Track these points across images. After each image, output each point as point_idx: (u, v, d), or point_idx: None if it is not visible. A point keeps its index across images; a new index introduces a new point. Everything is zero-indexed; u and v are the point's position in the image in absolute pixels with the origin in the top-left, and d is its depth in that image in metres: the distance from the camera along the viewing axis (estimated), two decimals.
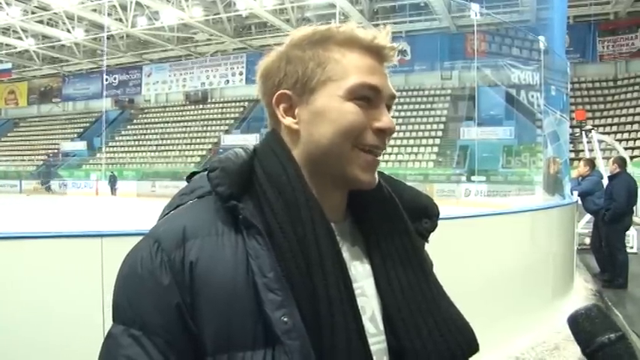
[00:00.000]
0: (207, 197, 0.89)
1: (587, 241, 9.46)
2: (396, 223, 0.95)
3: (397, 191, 0.98)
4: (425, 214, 1.01)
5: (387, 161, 28.87)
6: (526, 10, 24.94)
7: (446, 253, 4.11)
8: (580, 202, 8.70)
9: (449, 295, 0.97)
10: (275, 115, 0.92)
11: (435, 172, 28.02)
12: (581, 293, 7.44)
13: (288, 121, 0.91)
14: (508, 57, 23.72)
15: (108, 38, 33.71)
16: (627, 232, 8.78)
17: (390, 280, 0.91)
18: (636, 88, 29.42)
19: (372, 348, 0.85)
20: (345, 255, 0.88)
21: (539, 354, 4.99)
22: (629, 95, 29.34)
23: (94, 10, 30.65)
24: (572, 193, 8.76)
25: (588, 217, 9.64)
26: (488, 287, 4.72)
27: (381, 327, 0.90)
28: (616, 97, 29.68)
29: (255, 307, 0.79)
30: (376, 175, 0.92)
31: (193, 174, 0.98)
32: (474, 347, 0.94)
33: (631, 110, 28.23)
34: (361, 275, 0.91)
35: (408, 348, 0.88)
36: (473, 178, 24.45)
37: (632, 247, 9.94)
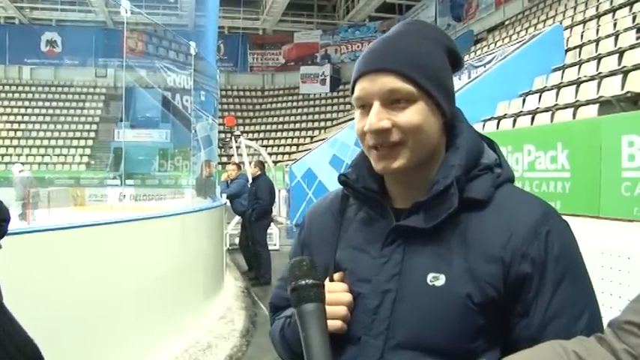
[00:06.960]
0: None
1: (237, 240, 10.03)
2: None
3: None
4: None
5: (31, 163, 26.10)
6: (185, 15, 25.53)
7: (99, 259, 3.83)
8: (229, 204, 9.17)
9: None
10: None
11: (86, 176, 26.34)
12: (231, 291, 7.83)
13: None
14: (165, 59, 23.87)
15: None
16: (269, 231, 9.59)
17: None
18: (280, 99, 33.25)
19: None
20: None
21: (193, 355, 5.01)
22: (274, 105, 32.90)
23: None
24: (221, 196, 9.17)
25: (238, 218, 10.23)
26: (141, 293, 4.60)
27: None
28: (263, 106, 32.88)
29: None
30: None
31: None
32: None
33: (275, 119, 31.67)
34: None
35: None
36: (127, 181, 23.85)
37: (274, 244, 10.93)
